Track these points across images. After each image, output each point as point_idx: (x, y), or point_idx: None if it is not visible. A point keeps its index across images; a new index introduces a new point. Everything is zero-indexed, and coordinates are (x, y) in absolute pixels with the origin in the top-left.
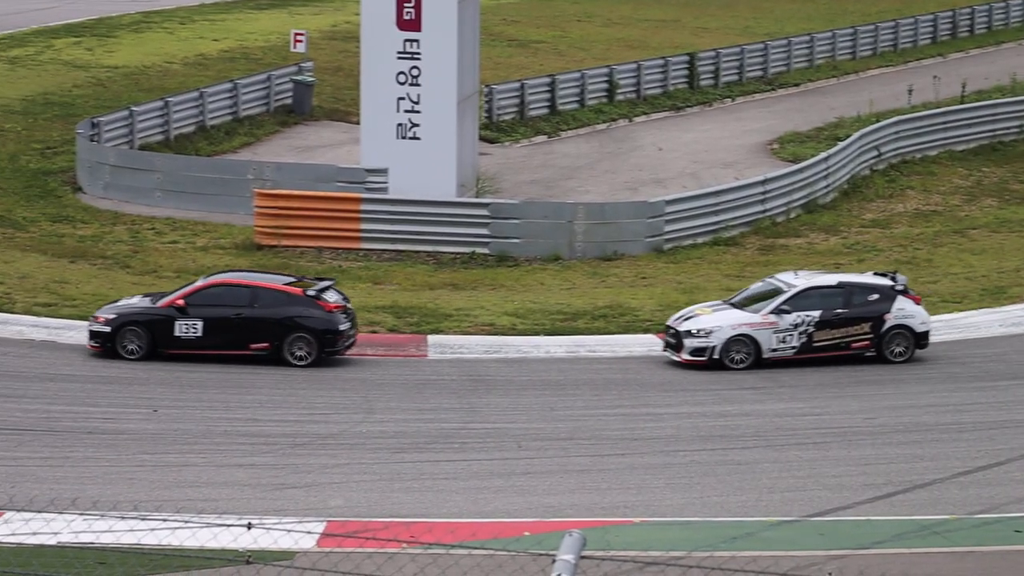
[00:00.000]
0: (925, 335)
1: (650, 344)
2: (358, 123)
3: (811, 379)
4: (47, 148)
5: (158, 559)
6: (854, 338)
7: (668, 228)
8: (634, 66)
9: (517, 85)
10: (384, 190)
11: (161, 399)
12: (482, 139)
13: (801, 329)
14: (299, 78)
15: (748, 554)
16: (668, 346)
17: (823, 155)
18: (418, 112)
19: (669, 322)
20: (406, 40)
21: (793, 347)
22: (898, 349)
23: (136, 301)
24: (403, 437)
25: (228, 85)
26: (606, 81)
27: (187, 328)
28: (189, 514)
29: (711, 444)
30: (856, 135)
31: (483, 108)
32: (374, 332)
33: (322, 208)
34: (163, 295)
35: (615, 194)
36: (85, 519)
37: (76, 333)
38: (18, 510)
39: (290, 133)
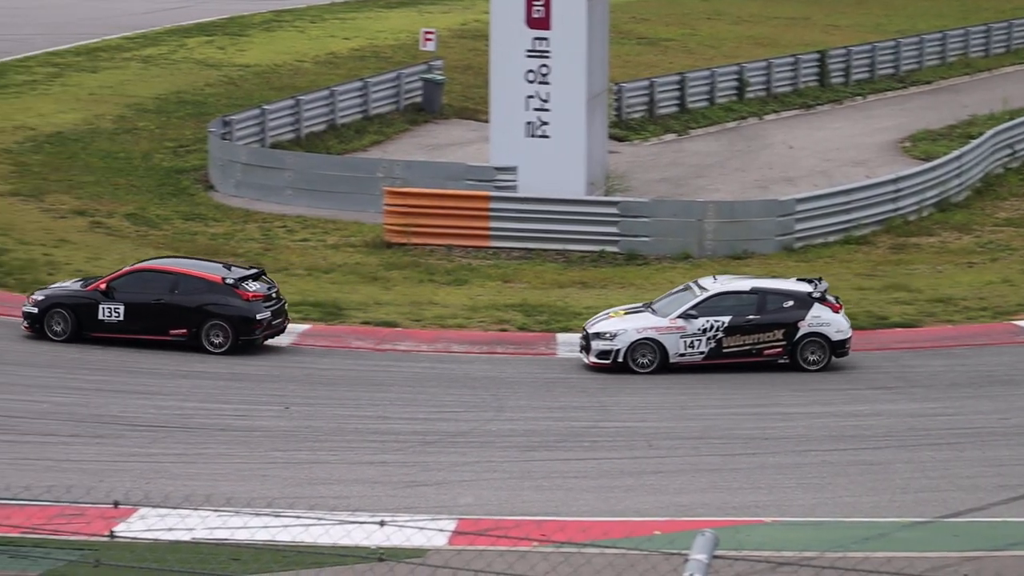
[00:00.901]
0: (842, 343)
1: None
2: (487, 121)
3: (944, 379)
4: (180, 147)
5: (291, 556)
6: (766, 345)
7: (799, 227)
8: (764, 64)
9: (646, 83)
10: (513, 188)
11: (293, 396)
12: (611, 137)
13: (710, 334)
14: (429, 76)
15: (882, 555)
16: (581, 348)
17: (956, 153)
18: (547, 110)
19: (586, 324)
20: (535, 38)
21: (701, 352)
22: (812, 357)
23: (69, 284)
24: (533, 435)
25: (358, 84)
26: (736, 79)
27: (110, 312)
28: (322, 511)
29: (843, 444)
30: (989, 133)
31: (612, 106)
32: (503, 331)
33: (451, 206)
34: (94, 279)
35: (745, 192)
36: (219, 516)
37: None
38: (153, 506)
39: (419, 131)
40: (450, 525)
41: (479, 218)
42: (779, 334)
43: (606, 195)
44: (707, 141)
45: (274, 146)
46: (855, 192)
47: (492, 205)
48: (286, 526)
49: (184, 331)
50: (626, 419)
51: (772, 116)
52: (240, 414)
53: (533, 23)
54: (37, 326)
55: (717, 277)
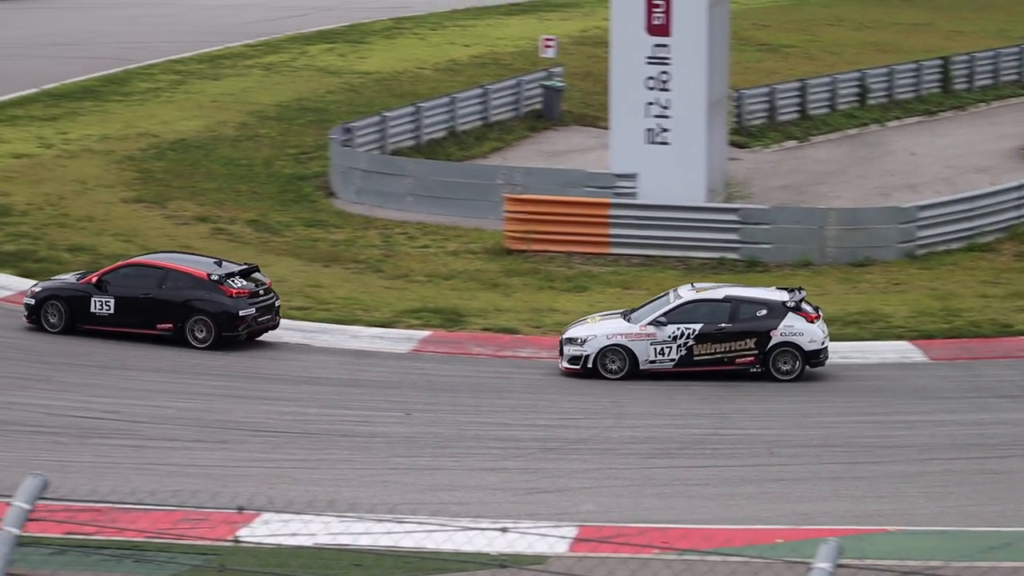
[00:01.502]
0: (816, 353)
1: (903, 351)
2: (607, 128)
3: None
4: (301, 153)
5: (414, 562)
6: (738, 353)
7: (921, 234)
8: (886, 70)
9: (767, 90)
10: (633, 195)
11: (414, 402)
12: (731, 144)
13: (680, 342)
14: (548, 83)
15: (1008, 565)
16: (560, 353)
17: None
18: (667, 117)
19: (564, 329)
20: (655, 45)
21: (672, 359)
22: (784, 367)
23: (68, 277)
24: (653, 443)
25: (478, 90)
26: (858, 85)
27: (101, 305)
28: (444, 517)
29: (966, 452)
30: None
31: (732, 113)
32: None
33: (571, 213)
34: (90, 273)
35: (867, 199)
36: (342, 521)
37: (330, 336)
38: (276, 511)
39: (539, 138)
40: (571, 532)
41: (599, 225)
42: (751, 343)
43: (726, 202)
44: (828, 148)
45: (395, 153)
46: (978, 199)
47: (612, 212)
48: (408, 532)
49: (170, 325)
50: (747, 426)
51: (894, 123)
52: (361, 420)
53: (653, 30)
54: (34, 317)
55: (695, 285)
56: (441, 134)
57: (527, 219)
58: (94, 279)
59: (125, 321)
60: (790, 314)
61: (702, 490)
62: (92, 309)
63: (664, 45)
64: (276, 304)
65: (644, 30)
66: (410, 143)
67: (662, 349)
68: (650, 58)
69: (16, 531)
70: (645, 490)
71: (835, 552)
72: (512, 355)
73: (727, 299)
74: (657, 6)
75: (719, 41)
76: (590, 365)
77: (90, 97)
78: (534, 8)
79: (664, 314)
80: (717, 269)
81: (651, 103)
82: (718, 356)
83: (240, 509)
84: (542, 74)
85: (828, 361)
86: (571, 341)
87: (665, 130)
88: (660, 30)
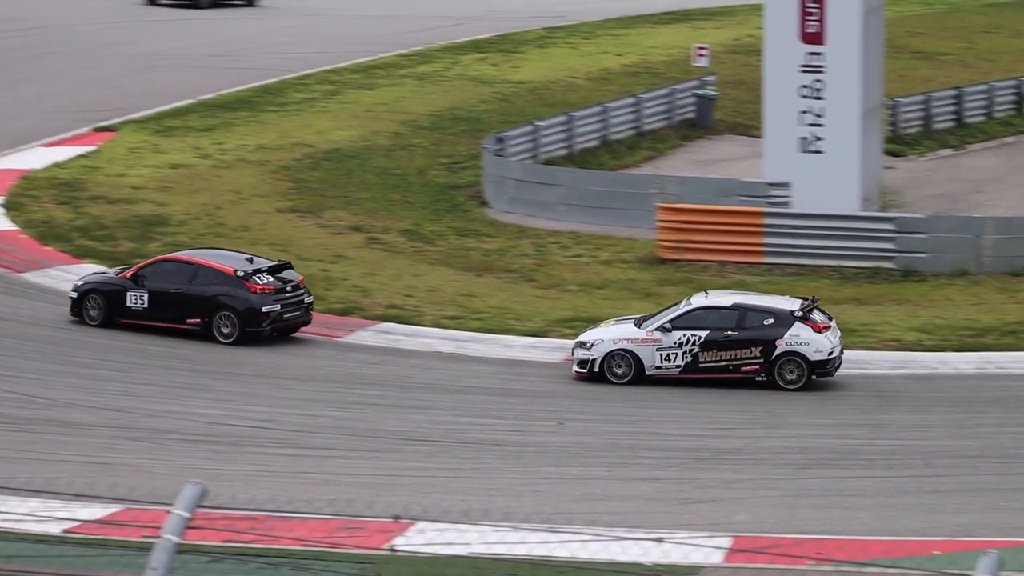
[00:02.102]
0: (822, 364)
1: None
2: (760, 137)
3: None
4: (454, 163)
5: (569, 571)
6: (743, 362)
7: None
8: None
9: (922, 98)
10: (787, 204)
11: (566, 412)
12: (886, 153)
13: (686, 348)
14: (701, 92)
15: None
16: (571, 356)
17: None
18: (821, 125)
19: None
20: (809, 53)
21: (678, 366)
22: (790, 376)
23: (109, 272)
24: (808, 453)
25: (631, 99)
26: (1015, 93)
27: (136, 299)
28: (598, 527)
29: None
30: None
31: (887, 121)
32: None
33: (725, 222)
34: (128, 268)
35: None
36: (496, 531)
37: (483, 346)
38: (431, 520)
39: (692, 147)
40: (726, 542)
41: (753, 234)
42: (756, 351)
43: (881, 211)
44: (985, 156)
45: (547, 162)
46: None
47: (766, 221)
48: (563, 542)
49: (198, 320)
50: (902, 437)
51: None
52: (514, 429)
53: (807, 38)
54: (76, 310)
55: (709, 292)
56: (593, 143)
57: (680, 228)
58: (130, 274)
59: (158, 315)
60: (797, 324)
61: (857, 501)
62: (128, 303)
63: (818, 53)
64: (307, 301)
65: (798, 38)
66: (562, 152)
67: (668, 355)
68: (804, 66)
69: (176, 539)
70: (799, 501)
71: (996, 564)
72: None
73: (734, 307)
74: (811, 14)
75: (873, 49)
76: (596, 369)
77: (245, 108)
78: (687, 17)
79: (670, 320)
80: (873, 279)
81: (805, 111)
82: (723, 364)
83: (396, 518)
84: (695, 83)
85: (999, 370)
86: (580, 345)
87: (819, 138)
88: (814, 38)
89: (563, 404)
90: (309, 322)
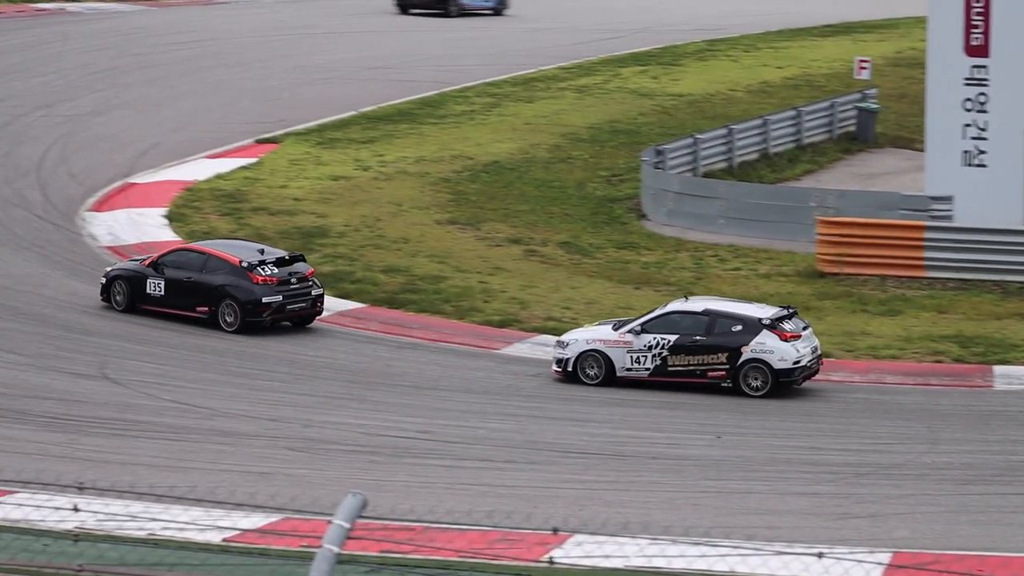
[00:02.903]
0: (786, 372)
1: None
2: (922, 150)
3: None
4: (613, 175)
5: None
6: (710, 367)
7: None
8: None
9: None
10: (949, 218)
11: (723, 426)
12: None
13: (655, 351)
14: (863, 105)
15: None
16: None
17: None
18: (984, 139)
19: None
20: (973, 66)
21: (647, 368)
22: (754, 383)
23: (136, 259)
24: (969, 469)
25: (791, 112)
26: None
27: (155, 287)
28: (758, 542)
29: None
30: None
31: None
32: (938, 362)
33: (885, 236)
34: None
35: None
36: (654, 544)
37: None
38: (590, 533)
39: (853, 160)
40: (886, 558)
41: (914, 248)
42: (723, 357)
43: None
44: None
45: (706, 175)
46: None
47: (927, 235)
48: (722, 556)
49: (207, 308)
50: None
51: None
52: (672, 442)
53: (971, 51)
54: (105, 295)
55: (689, 298)
56: (753, 156)
57: (840, 242)
58: (149, 262)
59: (173, 303)
60: (764, 331)
61: (1020, 518)
62: (148, 290)
63: (983, 66)
64: (315, 293)
65: (962, 51)
66: (722, 165)
67: (638, 358)
68: (968, 79)
69: (336, 549)
70: (960, 517)
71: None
72: (824, 379)
73: (705, 312)
74: (976, 27)
75: None
76: (570, 369)
77: (406, 120)
78: (848, 29)
79: (642, 324)
80: None
81: (968, 125)
82: (691, 368)
83: (554, 530)
84: (856, 96)
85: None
86: (559, 344)
87: (982, 152)
88: (979, 51)
89: (721, 417)
90: (319, 313)
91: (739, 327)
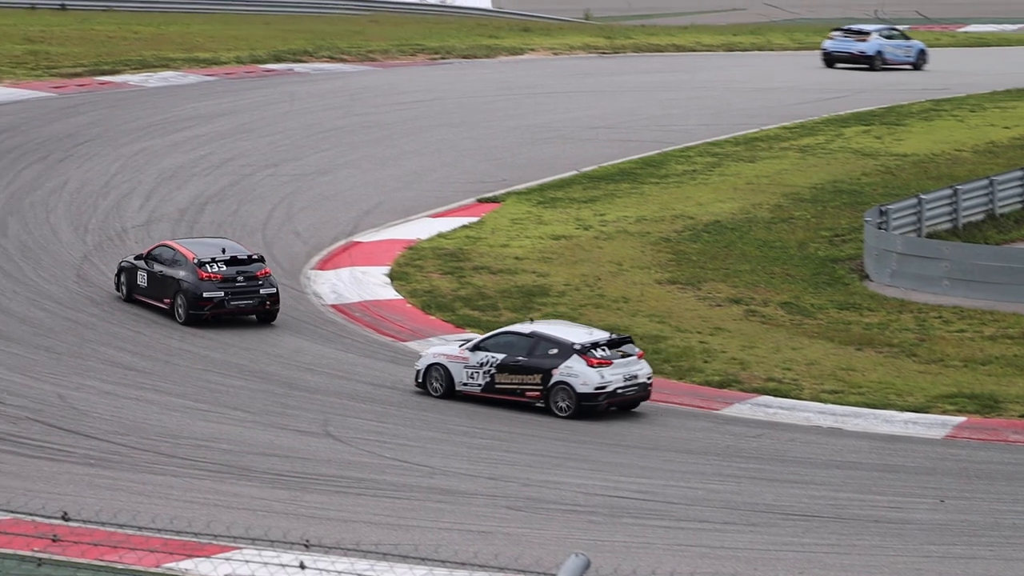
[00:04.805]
0: (589, 396)
1: None
2: None
3: None
4: (835, 236)
5: None
6: (528, 387)
7: None
8: None
9: None
10: None
11: (947, 489)
12: None
13: (485, 369)
14: None
15: None
16: None
17: None
18: None
19: None
20: None
21: (479, 384)
22: (560, 404)
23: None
24: None
25: (1018, 173)
26: None
27: (142, 278)
28: None
29: None
30: None
31: None
32: None
33: None
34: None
35: None
36: None
37: (863, 420)
38: None
39: None
40: None
41: None
42: (537, 378)
43: None
44: None
45: (930, 235)
46: None
47: None
48: None
49: (168, 301)
50: None
51: None
52: (894, 506)
53: None
54: (117, 285)
55: (534, 320)
56: (979, 217)
57: None
58: (143, 255)
59: (151, 294)
60: (574, 356)
61: None
62: (138, 281)
63: None
64: (263, 293)
65: None
66: (946, 226)
67: (472, 374)
68: None
69: None
70: None
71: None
72: None
73: (531, 335)
74: None
75: None
76: (420, 380)
77: (627, 179)
78: None
79: (477, 342)
80: None
81: None
82: (513, 387)
83: None
84: None
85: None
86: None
87: None
88: None
89: (944, 481)
90: (273, 313)
91: (555, 350)
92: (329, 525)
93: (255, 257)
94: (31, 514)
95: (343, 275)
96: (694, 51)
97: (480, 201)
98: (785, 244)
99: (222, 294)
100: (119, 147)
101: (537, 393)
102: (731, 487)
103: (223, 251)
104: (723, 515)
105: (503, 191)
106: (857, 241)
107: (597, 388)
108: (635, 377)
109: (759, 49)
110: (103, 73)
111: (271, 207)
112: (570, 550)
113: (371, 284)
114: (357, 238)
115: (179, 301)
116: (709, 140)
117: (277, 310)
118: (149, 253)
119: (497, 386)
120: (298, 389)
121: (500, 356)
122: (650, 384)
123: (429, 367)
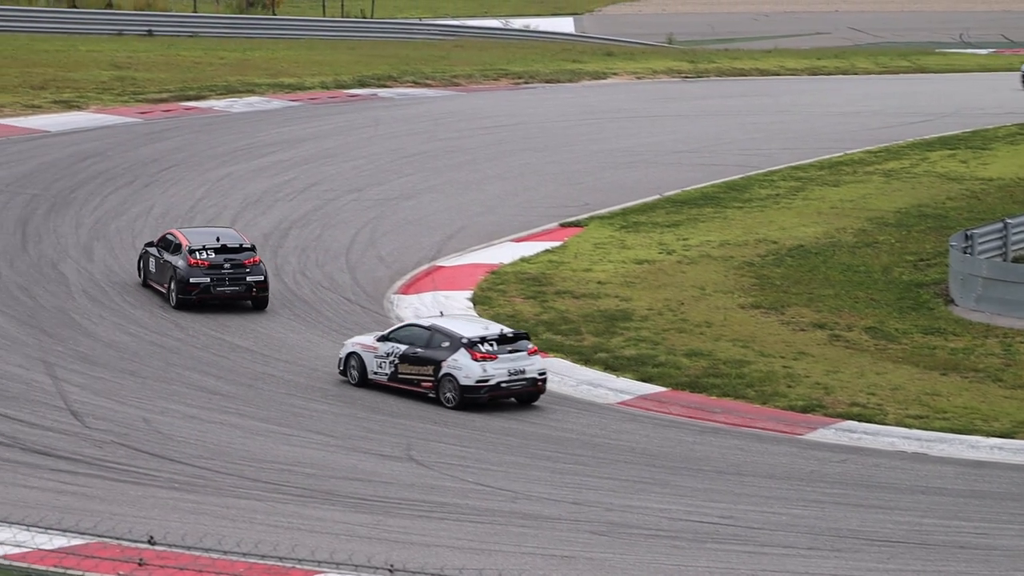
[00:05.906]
0: (471, 389)
1: None
2: None
3: None
4: (920, 260)
5: None
6: (423, 377)
7: None
8: None
9: None
10: None
11: None
12: None
13: (390, 359)
14: None
15: None
16: None
17: None
18: None
19: None
20: None
21: (386, 373)
22: (447, 395)
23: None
24: None
25: None
26: None
27: (152, 264)
28: None
29: None
30: None
31: None
32: None
33: None
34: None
35: None
36: None
37: (948, 446)
38: None
39: None
40: None
41: None
42: (430, 370)
43: None
44: None
45: (1016, 260)
46: None
47: None
48: None
49: (166, 286)
50: None
51: None
52: (980, 532)
53: None
54: (137, 270)
55: (443, 313)
56: None
57: None
58: (155, 242)
59: (157, 279)
60: (462, 349)
61: None
62: (149, 267)
63: None
64: (249, 280)
65: None
66: None
67: (380, 363)
68: None
69: None
70: None
71: None
72: None
73: (429, 327)
74: None
75: None
76: (341, 368)
77: (710, 203)
78: None
79: (386, 332)
80: None
81: None
82: (412, 377)
83: None
84: None
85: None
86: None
87: None
88: None
89: None
90: (262, 300)
91: (447, 343)
92: (413, 550)
93: (247, 246)
94: (117, 538)
95: (426, 299)
96: (778, 75)
97: (563, 225)
98: (869, 268)
99: (208, 280)
100: (204, 172)
101: (430, 384)
102: (815, 512)
103: (217, 239)
104: (807, 541)
105: (586, 215)
106: (942, 266)
107: (479, 381)
108: (522, 372)
109: (843, 73)
110: (188, 98)
111: (355, 231)
112: None
113: (454, 309)
114: (440, 262)
115: (171, 286)
116: (793, 164)
117: (266, 297)
118: (160, 240)
119: (400, 376)
120: (381, 413)
121: (403, 347)
122: (542, 380)
123: (348, 356)
